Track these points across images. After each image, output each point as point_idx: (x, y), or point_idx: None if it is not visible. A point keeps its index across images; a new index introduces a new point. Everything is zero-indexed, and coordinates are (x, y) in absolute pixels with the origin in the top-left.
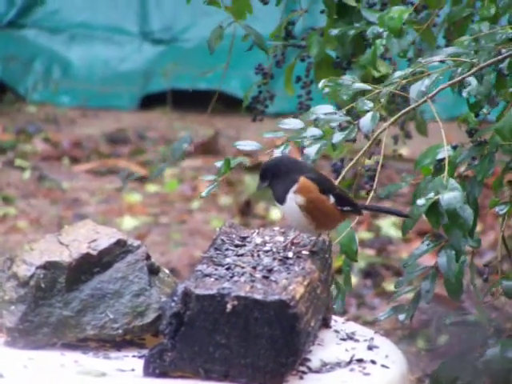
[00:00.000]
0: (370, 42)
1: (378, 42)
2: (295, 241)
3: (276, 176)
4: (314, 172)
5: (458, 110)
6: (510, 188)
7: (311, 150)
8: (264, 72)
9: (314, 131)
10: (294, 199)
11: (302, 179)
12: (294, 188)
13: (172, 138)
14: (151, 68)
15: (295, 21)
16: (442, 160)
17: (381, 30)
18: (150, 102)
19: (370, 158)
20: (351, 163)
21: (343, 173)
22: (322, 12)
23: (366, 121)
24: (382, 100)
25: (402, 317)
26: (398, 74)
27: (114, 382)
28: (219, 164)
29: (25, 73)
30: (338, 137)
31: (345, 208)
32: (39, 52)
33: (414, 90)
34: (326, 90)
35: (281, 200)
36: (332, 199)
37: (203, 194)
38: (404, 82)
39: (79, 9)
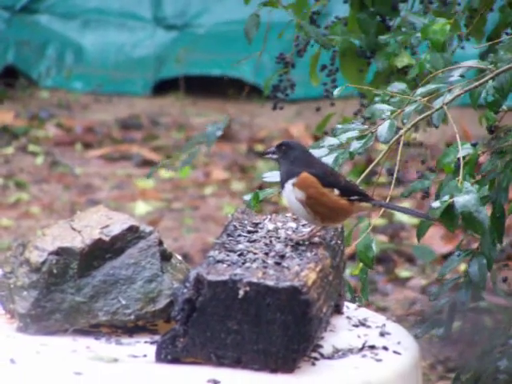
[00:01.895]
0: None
1: (423, 57)
2: (316, 233)
3: (287, 157)
4: (319, 166)
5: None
6: None
7: (328, 160)
8: (285, 61)
9: (331, 141)
10: (293, 193)
11: (304, 174)
12: (294, 180)
13: (184, 124)
14: (164, 54)
15: (320, 10)
16: (464, 157)
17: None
18: (162, 87)
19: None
20: (371, 165)
21: (362, 176)
22: (346, 2)
23: (383, 129)
24: (405, 121)
25: (439, 332)
26: (419, 91)
27: (126, 367)
28: (247, 197)
29: (38, 58)
30: (355, 145)
31: (352, 197)
32: (52, 37)
33: (437, 103)
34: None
35: (282, 185)
36: (336, 192)
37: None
38: (425, 100)
39: None
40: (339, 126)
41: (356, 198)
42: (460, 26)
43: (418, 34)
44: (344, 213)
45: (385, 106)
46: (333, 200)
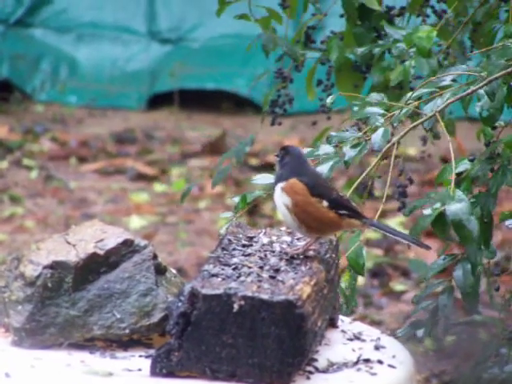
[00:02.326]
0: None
1: (407, 63)
2: (310, 247)
3: (283, 161)
4: (313, 176)
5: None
6: None
7: (324, 168)
8: (284, 76)
9: (326, 149)
10: (281, 197)
11: (293, 180)
12: (283, 184)
13: (179, 138)
14: (159, 68)
15: (315, 25)
16: (462, 173)
17: (405, 47)
18: (157, 101)
19: (400, 175)
20: (363, 175)
21: (355, 184)
22: (342, 16)
23: (377, 137)
24: (395, 124)
25: (420, 332)
26: (411, 95)
27: (121, 381)
28: (236, 199)
29: (32, 72)
30: (350, 154)
31: (341, 212)
32: (47, 51)
33: (428, 108)
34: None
35: (274, 187)
36: (325, 203)
37: (221, 231)
38: (417, 103)
39: (87, 8)
40: (334, 134)
41: (345, 212)
42: (450, 35)
43: (400, 44)
44: (331, 226)
45: (376, 109)
46: (319, 211)
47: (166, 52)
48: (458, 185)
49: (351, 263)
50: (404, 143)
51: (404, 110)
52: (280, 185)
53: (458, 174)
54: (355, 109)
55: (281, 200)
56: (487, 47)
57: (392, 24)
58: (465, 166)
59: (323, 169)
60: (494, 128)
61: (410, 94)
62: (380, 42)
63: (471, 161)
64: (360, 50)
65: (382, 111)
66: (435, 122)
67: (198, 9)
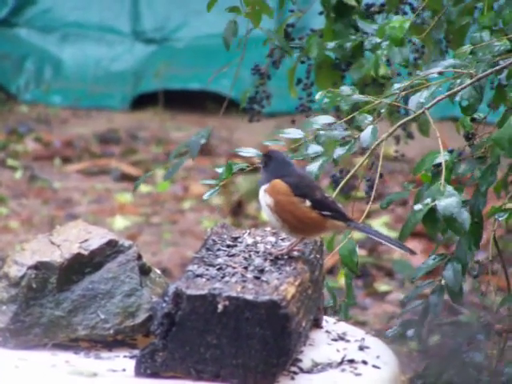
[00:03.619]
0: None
1: (379, 52)
2: (295, 248)
3: (267, 166)
4: (297, 176)
5: (449, 111)
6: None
7: (313, 167)
8: (261, 72)
9: (315, 148)
10: (264, 198)
11: (275, 181)
12: (265, 187)
13: (163, 138)
14: (143, 68)
15: (294, 22)
16: (439, 165)
17: (379, 40)
18: (141, 101)
19: (371, 169)
20: (350, 174)
21: (341, 184)
22: (321, 13)
23: (366, 135)
24: (382, 111)
25: (410, 332)
26: (397, 85)
27: (106, 382)
28: (220, 169)
29: (16, 72)
30: (339, 152)
31: (325, 212)
32: (31, 51)
33: (413, 101)
34: (325, 100)
35: (258, 190)
36: (308, 203)
37: (204, 197)
38: (403, 93)
39: (71, 8)
40: (322, 133)
41: (329, 213)
42: (423, 31)
43: (372, 38)
44: (314, 226)
45: (361, 97)
46: (301, 210)
47: (150, 52)
48: (436, 176)
49: (344, 261)
50: (387, 143)
51: (391, 99)
52: (263, 187)
53: (437, 166)
54: (325, 101)
55: (263, 200)
56: (458, 44)
57: (372, 21)
58: (444, 157)
59: (312, 167)
60: (473, 120)
61: (396, 85)
62: (352, 37)
63: (450, 152)
64: (331, 45)
65: (368, 99)
66: (409, 123)
67: (182, 9)
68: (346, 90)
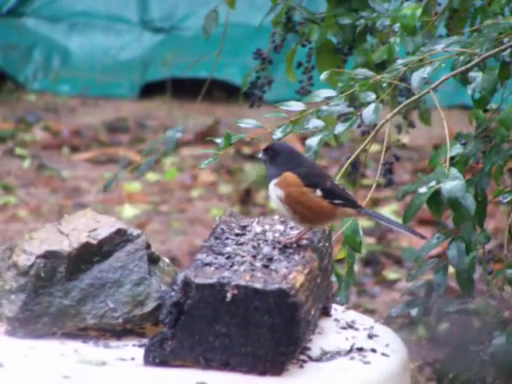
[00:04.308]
0: (370, 29)
1: (392, 40)
2: (304, 236)
3: (273, 159)
4: (307, 167)
5: (458, 98)
6: (510, 176)
7: (313, 141)
8: (263, 57)
9: (316, 122)
10: (274, 191)
11: (286, 173)
12: (276, 181)
13: (172, 127)
14: (151, 56)
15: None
16: (454, 157)
17: (389, 22)
18: (149, 90)
19: (386, 153)
20: (354, 155)
21: (346, 165)
22: None
23: (368, 112)
24: (384, 85)
25: (414, 311)
26: (400, 61)
27: (114, 370)
28: (219, 140)
29: (24, 61)
30: (340, 128)
31: (336, 201)
32: (39, 41)
33: (416, 77)
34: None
35: (268, 185)
36: (319, 192)
37: (202, 165)
38: (406, 68)
39: None
40: (324, 108)
41: (340, 202)
42: (430, 14)
43: (384, 19)
44: (325, 215)
45: (365, 71)
46: (312, 200)
47: (158, 41)
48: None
49: (348, 240)
50: (394, 132)
51: (394, 73)
52: (274, 181)
53: (451, 158)
54: (340, 85)
55: (274, 193)
56: (458, 33)
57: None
58: (457, 150)
59: (312, 142)
60: (485, 111)
61: (399, 61)
62: (364, 14)
63: (463, 145)
64: (345, 21)
65: (371, 73)
66: (410, 111)
67: None
68: (361, 72)
